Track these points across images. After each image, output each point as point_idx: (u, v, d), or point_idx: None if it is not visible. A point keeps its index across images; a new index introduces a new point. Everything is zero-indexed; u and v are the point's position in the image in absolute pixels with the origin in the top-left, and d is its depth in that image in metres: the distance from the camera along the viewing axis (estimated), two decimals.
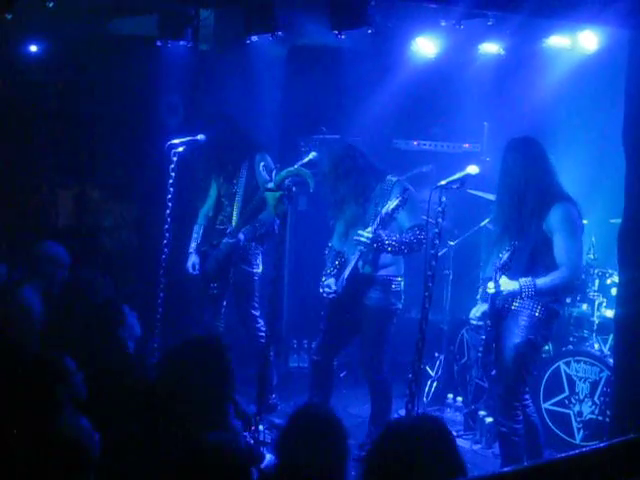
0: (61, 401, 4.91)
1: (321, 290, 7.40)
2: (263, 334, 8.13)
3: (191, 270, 8.39)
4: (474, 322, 6.55)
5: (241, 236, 8.10)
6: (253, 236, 8.17)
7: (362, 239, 6.94)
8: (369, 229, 6.94)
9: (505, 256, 6.10)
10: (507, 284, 6.14)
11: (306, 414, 4.48)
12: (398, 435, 3.45)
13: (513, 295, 6.20)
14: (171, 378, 5.13)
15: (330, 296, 7.32)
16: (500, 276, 6.11)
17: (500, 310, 6.37)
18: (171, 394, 5.02)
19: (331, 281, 7.36)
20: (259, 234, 8.19)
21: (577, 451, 2.16)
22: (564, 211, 6.20)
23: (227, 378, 5.23)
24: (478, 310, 6.52)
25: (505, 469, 2.19)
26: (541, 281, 6.14)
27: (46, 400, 4.86)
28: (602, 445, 2.29)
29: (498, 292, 6.17)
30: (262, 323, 8.27)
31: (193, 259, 8.42)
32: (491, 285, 6.18)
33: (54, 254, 7.80)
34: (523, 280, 6.14)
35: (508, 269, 6.13)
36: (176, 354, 5.29)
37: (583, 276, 7.77)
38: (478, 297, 6.68)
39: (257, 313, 8.33)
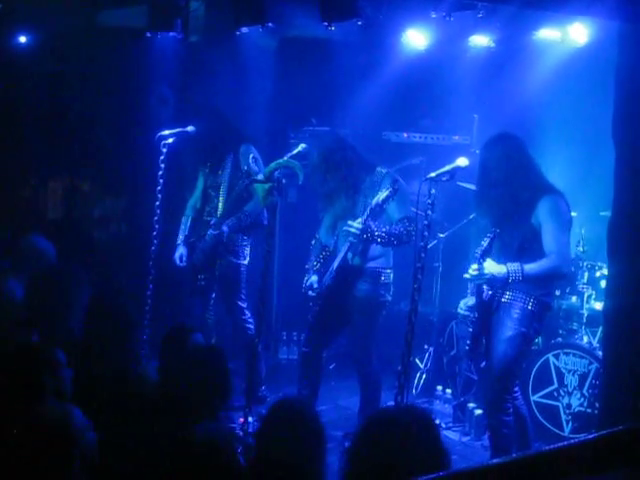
0: (46, 390, 4.89)
1: (304, 291, 7.41)
2: (251, 326, 8.15)
3: (178, 262, 8.36)
4: (462, 312, 6.55)
5: (225, 228, 8.06)
6: (238, 228, 8.13)
7: (352, 230, 6.93)
8: (359, 220, 6.93)
9: (485, 242, 6.10)
10: (494, 267, 6.14)
11: (282, 407, 4.48)
12: (382, 424, 3.44)
13: (499, 280, 6.18)
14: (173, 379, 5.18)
15: (309, 292, 7.34)
16: (483, 261, 6.11)
17: (489, 302, 6.37)
18: (170, 393, 5.05)
19: (314, 279, 7.36)
20: (245, 225, 8.16)
21: (565, 443, 2.16)
22: (552, 203, 6.21)
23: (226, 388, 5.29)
24: (467, 302, 6.51)
25: (494, 460, 2.19)
26: (529, 267, 6.13)
27: (31, 387, 4.85)
28: (590, 437, 2.29)
29: (481, 275, 6.14)
30: (249, 315, 8.27)
31: (180, 251, 8.39)
32: (474, 267, 6.16)
33: (41, 249, 7.78)
34: (511, 265, 6.13)
35: (488, 255, 6.14)
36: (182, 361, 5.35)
37: (572, 268, 7.79)
38: (469, 290, 6.67)
39: (244, 305, 8.31)
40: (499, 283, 6.24)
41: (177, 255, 8.37)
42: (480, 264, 6.10)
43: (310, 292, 7.36)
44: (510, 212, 6.27)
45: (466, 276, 6.30)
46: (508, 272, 6.11)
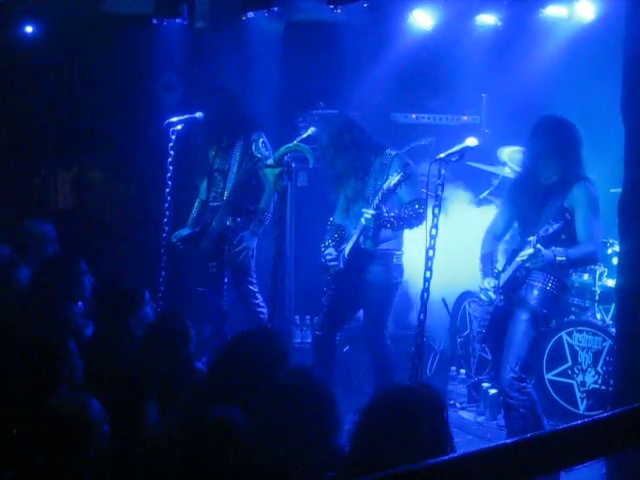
0: (62, 379, 4.93)
1: (323, 260, 7.38)
2: (263, 309, 8.15)
3: (174, 239, 8.26)
4: (490, 293, 6.44)
5: (252, 242, 8.09)
6: (262, 228, 8.11)
7: (367, 216, 6.91)
8: (373, 205, 6.92)
9: (550, 229, 6.01)
10: (545, 252, 6.07)
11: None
12: (392, 399, 3.41)
13: (547, 265, 6.11)
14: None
15: (331, 263, 7.29)
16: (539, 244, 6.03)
17: (514, 284, 6.33)
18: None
19: (331, 250, 7.34)
20: (267, 223, 8.10)
21: (580, 421, 2.16)
22: (585, 189, 6.24)
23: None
24: (490, 283, 6.42)
25: (509, 440, 2.20)
26: (571, 251, 6.11)
27: (48, 376, 4.89)
28: (606, 415, 2.29)
29: (537, 254, 6.04)
30: (261, 299, 8.27)
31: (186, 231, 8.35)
32: (529, 251, 6.03)
33: (42, 231, 7.82)
34: (556, 249, 6.08)
35: (544, 241, 6.05)
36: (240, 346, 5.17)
37: None
38: (481, 271, 6.61)
39: (255, 289, 8.31)
40: (547, 267, 6.19)
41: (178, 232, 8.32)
42: (537, 249, 5.98)
43: (328, 258, 7.29)
44: (545, 197, 6.28)
45: (518, 260, 6.21)
46: (555, 255, 6.07)
